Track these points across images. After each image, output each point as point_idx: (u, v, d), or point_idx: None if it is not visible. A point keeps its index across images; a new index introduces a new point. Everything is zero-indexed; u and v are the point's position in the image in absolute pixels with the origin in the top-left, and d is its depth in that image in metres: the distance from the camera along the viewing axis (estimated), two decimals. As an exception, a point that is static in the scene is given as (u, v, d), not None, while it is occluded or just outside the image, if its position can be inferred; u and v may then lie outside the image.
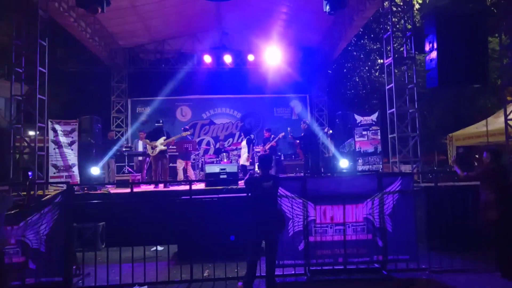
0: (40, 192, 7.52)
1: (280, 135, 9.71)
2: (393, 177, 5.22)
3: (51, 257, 4.71)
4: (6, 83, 9.21)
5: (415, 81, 8.50)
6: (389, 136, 8.56)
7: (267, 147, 9.81)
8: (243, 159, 9.73)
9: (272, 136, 10.00)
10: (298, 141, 9.93)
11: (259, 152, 10.75)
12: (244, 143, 9.84)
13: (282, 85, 13.94)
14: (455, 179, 8.06)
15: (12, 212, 4.60)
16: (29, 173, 7.74)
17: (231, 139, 14.05)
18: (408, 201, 5.05)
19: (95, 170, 8.55)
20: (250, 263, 4.40)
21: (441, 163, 15.10)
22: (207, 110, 14.46)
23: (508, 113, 8.39)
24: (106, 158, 9.24)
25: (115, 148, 9.93)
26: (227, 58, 13.28)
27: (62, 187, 7.81)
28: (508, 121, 8.40)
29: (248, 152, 9.76)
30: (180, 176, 9.41)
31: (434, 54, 7.03)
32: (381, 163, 9.10)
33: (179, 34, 13.63)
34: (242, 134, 10.16)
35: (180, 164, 9.49)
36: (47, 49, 8.20)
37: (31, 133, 8.71)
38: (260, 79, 13.92)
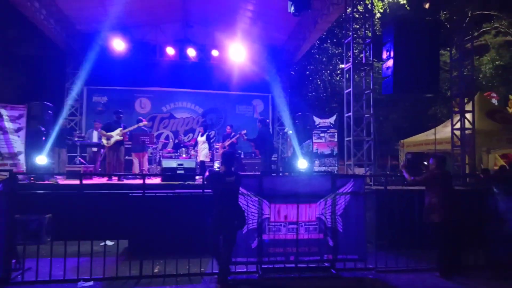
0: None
1: (242, 132, 9.71)
2: (346, 179, 5.38)
3: (-12, 251, 4.41)
4: None
5: (372, 87, 8.82)
6: (345, 139, 8.83)
7: (226, 143, 9.76)
8: (203, 155, 9.61)
9: (233, 133, 9.99)
10: (252, 143, 9.91)
11: (217, 148, 10.70)
12: (203, 138, 9.72)
13: (246, 83, 13.95)
14: (404, 183, 8.48)
15: None
16: None
17: (191, 134, 13.86)
18: (359, 203, 5.23)
19: (41, 159, 8.08)
20: (223, 258, 4.41)
21: (393, 168, 15.82)
22: (168, 103, 14.15)
23: (454, 123, 8.93)
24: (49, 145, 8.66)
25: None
26: (191, 52, 13.10)
27: (5, 175, 7.32)
28: (454, 131, 8.95)
29: (209, 148, 9.68)
30: (136, 169, 9.16)
31: (390, 62, 7.35)
32: (336, 165, 9.38)
33: (142, 23, 13.23)
34: (201, 129, 10.00)
35: (135, 157, 9.22)
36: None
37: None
38: (224, 75, 13.85)
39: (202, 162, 9.59)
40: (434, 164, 5.30)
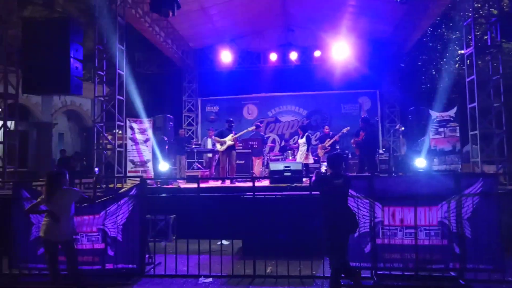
0: (119, 185, 8.17)
1: (344, 130, 9.35)
2: (473, 178, 4.74)
3: (127, 246, 5.07)
4: (91, 85, 10.15)
5: (501, 72, 7.65)
6: (470, 133, 7.82)
7: (327, 144, 9.48)
8: (299, 157, 9.51)
9: (331, 132, 9.68)
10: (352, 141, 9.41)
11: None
12: (303, 140, 9.63)
13: (350, 81, 13.48)
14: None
15: (97, 201, 5.00)
16: (96, 169, 8.42)
17: (296, 137, 13.93)
18: (491, 205, 4.55)
19: (163, 166, 9.06)
20: (337, 261, 4.30)
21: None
22: (273, 108, 14.52)
23: None
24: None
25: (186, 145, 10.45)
26: (293, 55, 13.21)
27: (137, 181, 8.39)
28: None
29: (307, 150, 9.56)
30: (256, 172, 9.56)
31: (525, 41, 6.26)
32: (460, 162, 8.35)
33: (245, 33, 13.88)
34: (300, 131, 9.92)
35: (255, 161, 9.60)
36: (125, 53, 8.86)
37: (113, 132, 9.51)
38: (327, 75, 13.60)
39: (305, 165, 9.51)
40: None
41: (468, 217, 4.61)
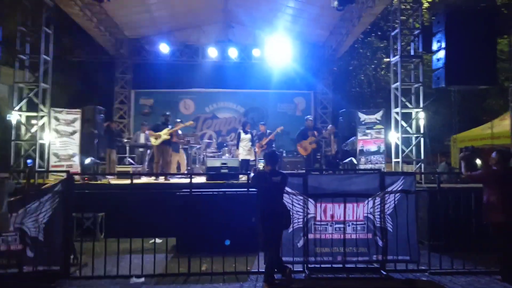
0: (40, 181, 7.51)
1: (278, 129, 9.61)
2: (395, 176, 5.15)
3: (49, 246, 4.68)
4: (10, 70, 9.20)
5: (421, 80, 8.40)
6: (393, 135, 8.48)
7: (263, 142, 9.68)
8: (246, 153, 9.60)
9: (268, 131, 9.89)
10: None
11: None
12: (248, 136, 9.71)
13: (287, 81, 13.87)
14: (457, 181, 8.00)
15: (12, 199, 4.58)
16: (28, 161, 7.74)
17: (233, 134, 13.98)
18: (410, 201, 4.98)
19: (88, 160, 8.57)
20: (271, 256, 4.41)
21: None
22: (211, 104, 14.40)
23: (514, 115, 8.29)
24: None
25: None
26: (232, 52, 13.21)
27: (63, 176, 7.80)
28: (514, 124, 8.30)
29: (253, 145, 9.68)
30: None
31: (442, 53, 6.94)
32: (383, 162, 9.02)
33: (185, 26, 13.56)
34: (240, 128, 9.99)
35: (175, 157, 9.40)
36: (53, 37, 8.16)
37: (34, 121, 8.70)
38: (265, 74, 13.85)
39: (247, 161, 9.60)
40: (496, 158, 4.88)
41: (390, 213, 4.99)
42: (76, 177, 7.51)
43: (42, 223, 4.70)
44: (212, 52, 13.30)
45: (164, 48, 13.08)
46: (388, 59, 13.77)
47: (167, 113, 9.33)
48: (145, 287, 4.46)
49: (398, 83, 8.34)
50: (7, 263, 4.58)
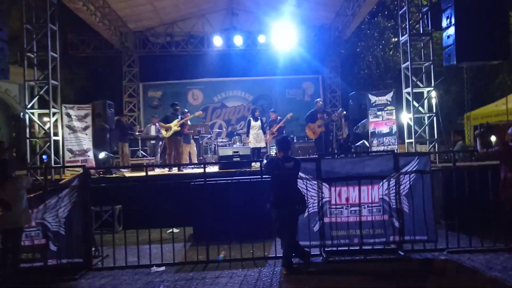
0: (57, 177, 7.64)
1: (288, 116, 9.60)
2: (410, 157, 5.11)
3: (71, 239, 4.80)
4: (18, 69, 9.28)
5: (431, 58, 8.26)
6: (405, 116, 8.39)
7: (274, 129, 9.68)
8: (256, 141, 9.61)
9: (279, 117, 9.89)
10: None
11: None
12: (258, 123, 9.71)
13: (294, 66, 13.77)
14: (472, 160, 7.91)
15: (32, 195, 4.69)
16: (44, 157, 7.86)
17: (243, 122, 13.98)
18: (425, 181, 4.95)
19: (101, 154, 8.67)
20: (288, 241, 4.46)
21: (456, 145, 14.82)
22: (219, 93, 14.38)
23: (529, 90, 8.10)
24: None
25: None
26: (238, 40, 13.11)
27: (78, 171, 7.92)
28: (530, 98, 8.14)
29: (264, 133, 9.71)
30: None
31: (452, 30, 6.77)
32: (396, 143, 8.94)
33: (189, 16, 13.47)
34: (250, 116, 9.98)
35: (186, 148, 9.44)
36: (58, 34, 8.18)
37: (46, 119, 8.80)
38: (272, 60, 13.76)
39: (257, 149, 9.63)
40: (512, 135, 4.80)
41: (405, 193, 4.98)
42: (91, 171, 7.63)
43: (62, 218, 4.81)
44: (217, 41, 13.21)
45: (169, 39, 13.04)
46: (396, 39, 13.56)
47: (175, 103, 9.35)
48: (166, 276, 4.54)
49: (408, 63, 8.20)
50: (32, 257, 4.73)
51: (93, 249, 5.09)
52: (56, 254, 4.75)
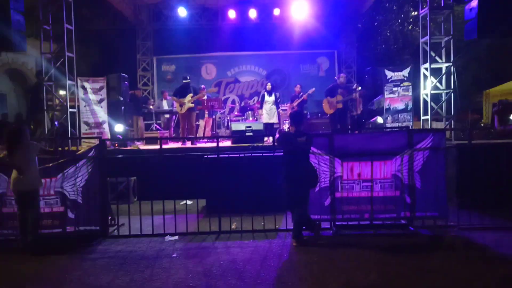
0: (74, 148, 7.82)
1: (310, 91, 9.47)
2: (424, 134, 5.06)
3: (88, 208, 4.96)
4: (36, 42, 9.35)
5: (452, 33, 7.99)
6: (422, 92, 8.23)
7: (295, 104, 9.59)
8: (269, 116, 9.60)
9: (301, 93, 9.77)
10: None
11: (285, 110, 10.61)
12: (272, 98, 9.65)
13: (309, 41, 13.47)
14: (489, 138, 7.77)
15: (50, 164, 4.83)
16: (56, 122, 8.01)
17: (256, 97, 13.92)
18: (439, 158, 4.91)
19: (118, 127, 8.77)
20: (299, 215, 4.51)
21: (474, 123, 14.52)
22: (232, 67, 14.27)
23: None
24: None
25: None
26: (252, 13, 12.85)
27: (95, 143, 8.08)
28: (553, 76, 7.86)
29: (277, 108, 9.68)
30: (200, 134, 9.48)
31: (474, 3, 6.54)
32: (411, 120, 8.81)
33: (203, -12, 13.20)
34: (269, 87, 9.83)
35: (202, 122, 9.50)
36: (73, 7, 8.18)
37: (62, 92, 8.92)
38: (286, 34, 13.46)
39: (270, 124, 9.61)
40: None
41: (418, 170, 4.95)
42: (107, 143, 7.77)
43: (80, 187, 4.96)
44: (232, 14, 12.97)
45: (182, 12, 12.86)
46: (416, 13, 13.11)
47: (187, 76, 9.28)
48: (179, 244, 4.69)
49: (427, 37, 7.98)
50: (51, 224, 4.92)
51: (109, 218, 5.26)
52: (74, 222, 4.93)
